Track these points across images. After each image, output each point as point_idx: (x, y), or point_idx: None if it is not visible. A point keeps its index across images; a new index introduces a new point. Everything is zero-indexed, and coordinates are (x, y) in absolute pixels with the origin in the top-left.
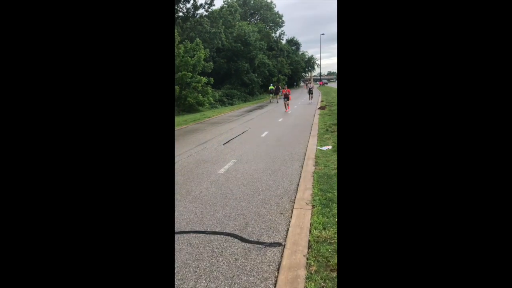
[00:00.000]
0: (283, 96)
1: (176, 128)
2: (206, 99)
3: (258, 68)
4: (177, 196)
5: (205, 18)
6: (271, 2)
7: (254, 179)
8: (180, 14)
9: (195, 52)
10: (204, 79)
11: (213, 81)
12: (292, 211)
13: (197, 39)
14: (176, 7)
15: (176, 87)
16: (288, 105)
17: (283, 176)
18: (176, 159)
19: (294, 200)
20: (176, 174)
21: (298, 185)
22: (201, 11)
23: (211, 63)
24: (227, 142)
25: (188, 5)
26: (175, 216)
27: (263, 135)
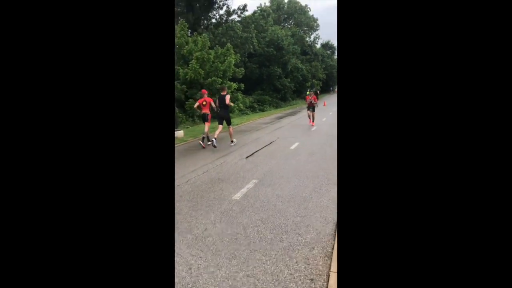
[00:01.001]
0: (307, 105)
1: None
2: (235, 105)
3: (291, 73)
4: (175, 238)
5: (237, 23)
6: (306, 5)
7: (276, 211)
8: (213, 21)
9: (225, 58)
10: (234, 85)
11: (243, 86)
12: (327, 276)
13: (228, 44)
14: (210, 14)
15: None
16: (313, 117)
17: (316, 210)
18: (190, 176)
19: (331, 254)
20: (182, 198)
21: (336, 226)
22: (233, 16)
23: (242, 68)
24: (250, 155)
25: (222, 12)
26: None
27: (292, 147)
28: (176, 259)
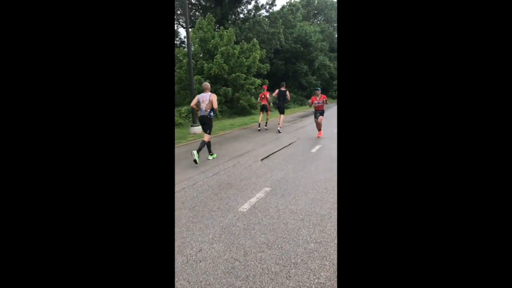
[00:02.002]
0: (313, 109)
1: (219, 133)
2: (258, 102)
3: (318, 71)
4: None
5: (265, 18)
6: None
7: (287, 233)
8: (241, 15)
9: (251, 53)
10: (258, 81)
11: (267, 83)
12: None
13: (254, 39)
14: (238, 9)
15: (229, 89)
16: (320, 125)
17: (335, 235)
18: (198, 177)
19: None
20: (184, 205)
21: None
22: (261, 11)
23: (267, 64)
24: (266, 157)
25: (250, 6)
26: None
27: (314, 149)
28: None
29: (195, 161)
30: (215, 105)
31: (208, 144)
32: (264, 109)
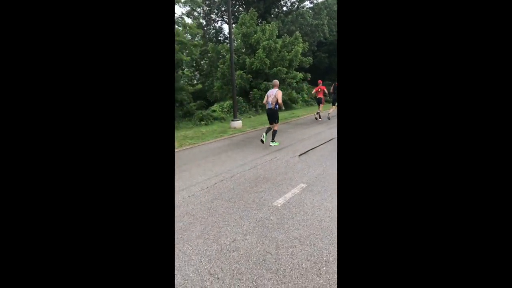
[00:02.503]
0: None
1: (259, 128)
2: (300, 96)
3: None
4: (199, 241)
5: (308, 10)
6: None
7: (320, 230)
8: (284, 8)
9: (293, 46)
10: (300, 75)
11: (310, 76)
12: None
13: (297, 32)
14: (281, 2)
15: (270, 83)
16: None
17: None
18: (236, 170)
19: None
20: (221, 196)
21: None
22: (305, 3)
23: (310, 57)
24: (304, 153)
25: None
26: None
27: None
28: (192, 275)
29: (262, 140)
30: (280, 100)
31: (274, 133)
32: (319, 102)
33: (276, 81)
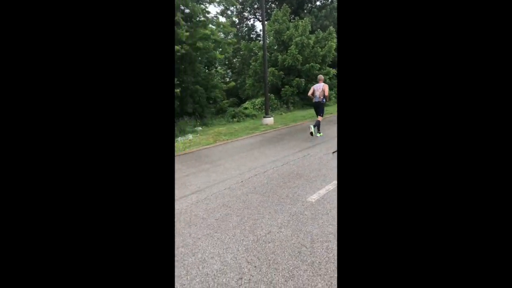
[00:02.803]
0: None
1: (290, 125)
2: (333, 92)
3: None
4: (235, 231)
5: None
6: None
7: None
8: (318, 3)
9: (326, 42)
10: (333, 71)
11: None
12: None
13: (331, 27)
14: None
15: (302, 80)
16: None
17: None
18: (269, 166)
19: None
20: (255, 190)
21: None
22: None
23: None
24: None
25: None
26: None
27: None
28: (230, 262)
29: (311, 133)
30: (327, 93)
31: (318, 124)
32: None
33: (321, 76)
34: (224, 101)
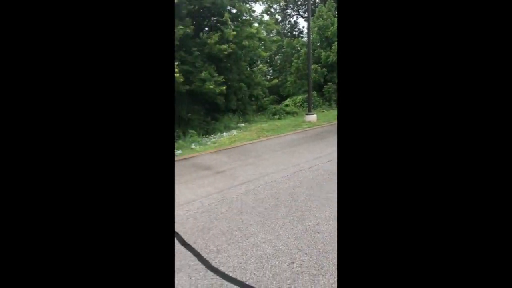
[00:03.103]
0: None
1: (333, 122)
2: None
3: None
4: (285, 220)
5: None
6: None
7: None
8: None
9: None
10: None
11: None
12: None
13: None
14: None
15: None
16: None
17: None
18: (314, 162)
19: None
20: (301, 184)
21: None
22: None
23: None
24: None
25: None
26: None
27: None
28: (282, 248)
29: None
30: None
31: None
32: None
33: None
34: (265, 99)
